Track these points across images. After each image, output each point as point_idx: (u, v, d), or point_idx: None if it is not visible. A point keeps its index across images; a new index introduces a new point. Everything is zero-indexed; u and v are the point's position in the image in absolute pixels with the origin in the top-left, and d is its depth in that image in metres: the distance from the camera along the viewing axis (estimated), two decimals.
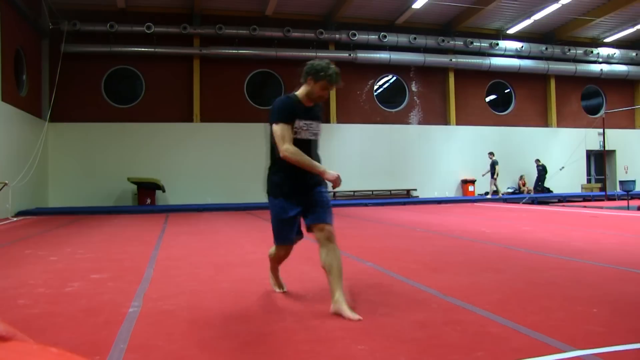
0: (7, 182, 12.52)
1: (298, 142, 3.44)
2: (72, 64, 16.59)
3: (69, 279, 4.53)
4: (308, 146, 3.53)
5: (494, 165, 18.32)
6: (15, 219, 12.61)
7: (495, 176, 18.30)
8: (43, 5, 15.57)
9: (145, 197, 16.36)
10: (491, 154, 18.54)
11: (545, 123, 21.38)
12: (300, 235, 3.73)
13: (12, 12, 13.82)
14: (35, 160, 14.61)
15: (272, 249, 3.84)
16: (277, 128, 3.40)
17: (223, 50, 17.76)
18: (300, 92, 3.56)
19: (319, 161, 3.58)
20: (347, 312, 3.12)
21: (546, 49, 20.25)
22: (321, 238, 3.47)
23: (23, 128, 14.38)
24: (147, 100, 17.63)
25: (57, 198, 16.56)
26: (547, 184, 20.01)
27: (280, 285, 3.98)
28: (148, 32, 16.92)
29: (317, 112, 3.64)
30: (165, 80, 17.71)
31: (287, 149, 3.35)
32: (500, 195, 18.46)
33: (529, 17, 18.78)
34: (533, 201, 17.38)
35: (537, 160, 20.05)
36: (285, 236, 3.64)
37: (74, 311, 3.39)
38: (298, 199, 3.52)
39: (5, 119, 12.96)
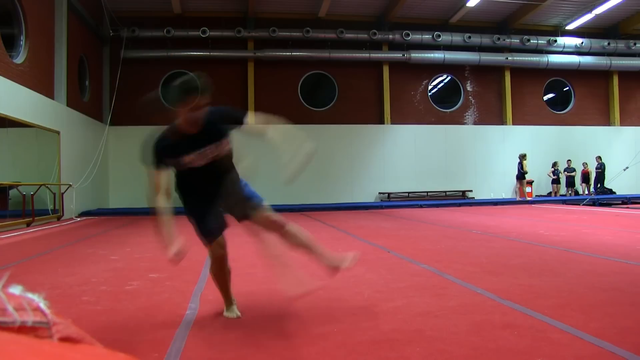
0: (71, 183, 13.07)
1: (199, 170, 3.07)
2: (130, 69, 17.14)
3: (128, 277, 4.67)
4: (212, 168, 3.10)
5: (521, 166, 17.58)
6: (78, 219, 13.14)
7: (524, 179, 17.54)
8: (104, 13, 16.15)
9: None
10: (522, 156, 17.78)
11: (608, 121, 20.61)
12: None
13: (77, 22, 14.42)
14: (97, 163, 15.15)
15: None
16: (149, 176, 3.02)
17: (277, 53, 17.94)
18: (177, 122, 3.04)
19: (229, 171, 3.24)
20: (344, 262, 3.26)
21: (608, 44, 19.48)
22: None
23: (86, 132, 14.95)
24: None
25: (116, 199, 17.13)
26: (609, 185, 19.23)
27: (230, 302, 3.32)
28: (203, 36, 17.28)
29: (208, 133, 3.03)
30: (219, 83, 17.99)
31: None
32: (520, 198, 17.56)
33: (589, 11, 18.06)
34: (594, 203, 16.76)
35: (599, 158, 19.23)
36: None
37: (134, 309, 3.49)
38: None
39: (69, 123, 13.50)
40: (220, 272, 3.31)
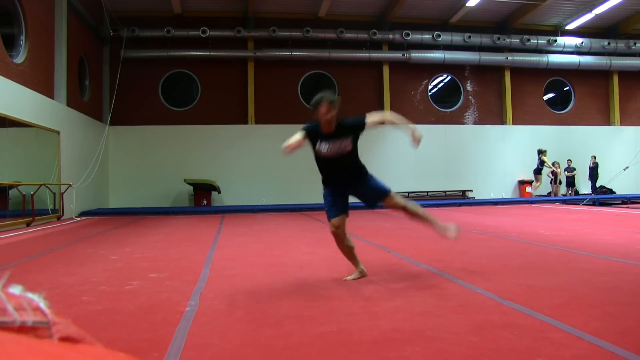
0: (71, 183, 13.07)
1: (325, 160, 4.24)
2: (130, 69, 17.14)
3: (128, 277, 4.67)
4: (335, 162, 4.22)
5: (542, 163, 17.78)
6: (78, 218, 13.14)
7: (540, 175, 17.77)
8: (104, 13, 16.15)
9: (201, 198, 16.70)
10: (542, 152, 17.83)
11: (608, 121, 20.60)
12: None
13: (77, 22, 14.43)
14: (96, 163, 15.16)
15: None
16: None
17: (277, 53, 17.93)
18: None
19: (357, 171, 4.34)
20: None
21: (608, 43, 19.45)
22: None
23: (86, 131, 14.95)
24: (203, 102, 18.01)
25: (117, 199, 17.13)
26: (609, 185, 19.16)
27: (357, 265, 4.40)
28: (203, 36, 17.27)
29: (339, 134, 4.18)
30: (220, 83, 18.03)
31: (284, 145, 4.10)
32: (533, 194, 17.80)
33: (589, 11, 18.03)
34: (594, 202, 16.75)
35: (593, 157, 19.12)
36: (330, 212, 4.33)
37: (134, 309, 3.49)
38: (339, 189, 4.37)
39: (70, 123, 13.50)
40: (340, 245, 4.38)
